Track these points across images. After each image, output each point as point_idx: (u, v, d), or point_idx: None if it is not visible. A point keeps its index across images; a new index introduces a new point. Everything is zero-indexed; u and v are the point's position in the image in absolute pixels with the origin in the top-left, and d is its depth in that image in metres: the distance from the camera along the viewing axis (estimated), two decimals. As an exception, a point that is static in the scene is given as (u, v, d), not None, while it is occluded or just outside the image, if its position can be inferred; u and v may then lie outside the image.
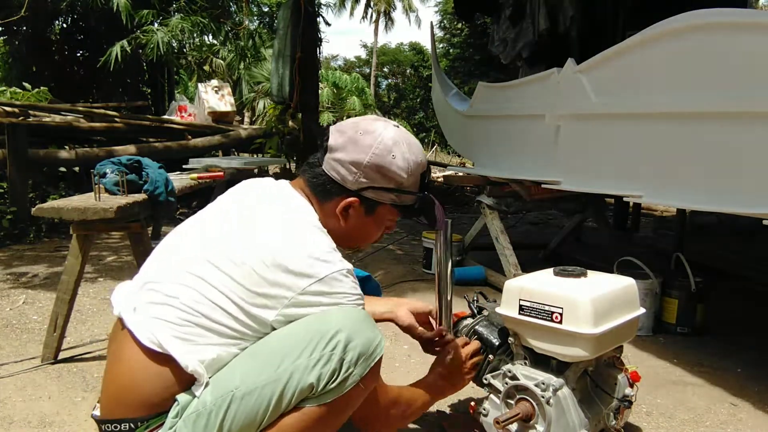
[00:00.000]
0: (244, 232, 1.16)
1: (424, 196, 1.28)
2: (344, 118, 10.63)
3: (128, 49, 7.12)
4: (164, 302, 1.11)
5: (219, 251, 1.14)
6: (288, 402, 1.07)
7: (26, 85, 7.06)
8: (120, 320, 1.17)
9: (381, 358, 1.14)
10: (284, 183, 1.28)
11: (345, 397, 1.09)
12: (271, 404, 1.06)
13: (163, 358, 1.08)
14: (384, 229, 1.33)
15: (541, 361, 1.43)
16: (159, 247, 1.24)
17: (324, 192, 1.23)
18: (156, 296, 1.13)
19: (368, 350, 1.10)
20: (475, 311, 1.67)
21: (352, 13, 29.12)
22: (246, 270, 1.10)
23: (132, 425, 1.09)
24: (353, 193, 1.22)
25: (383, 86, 29.65)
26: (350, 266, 1.16)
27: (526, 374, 1.41)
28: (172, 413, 1.08)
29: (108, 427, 1.11)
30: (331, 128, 1.26)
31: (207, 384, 1.08)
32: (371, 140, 1.20)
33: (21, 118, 5.27)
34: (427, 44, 25.98)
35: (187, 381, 1.09)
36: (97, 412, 1.17)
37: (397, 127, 1.27)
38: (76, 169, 5.43)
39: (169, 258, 1.19)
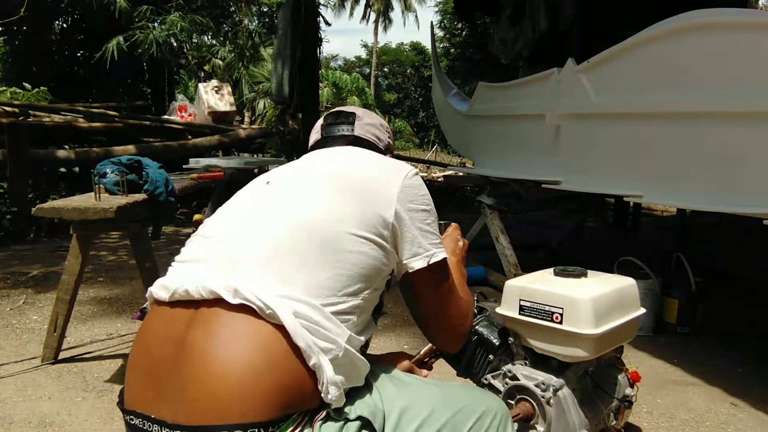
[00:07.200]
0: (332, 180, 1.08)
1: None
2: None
3: (124, 46, 7.10)
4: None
5: (305, 201, 1.03)
6: None
7: (26, 85, 7.05)
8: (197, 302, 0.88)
9: None
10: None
11: None
12: None
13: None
14: None
15: (541, 361, 1.43)
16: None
17: None
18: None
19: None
20: (475, 311, 1.67)
21: (351, 13, 29.09)
22: (349, 195, 1.03)
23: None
24: (384, 152, 1.32)
25: (383, 86, 29.64)
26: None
27: (526, 374, 1.41)
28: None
29: None
30: (338, 109, 1.35)
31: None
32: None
33: (21, 118, 5.27)
34: (427, 44, 25.99)
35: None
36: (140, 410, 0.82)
37: None
38: (76, 169, 5.42)
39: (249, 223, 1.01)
